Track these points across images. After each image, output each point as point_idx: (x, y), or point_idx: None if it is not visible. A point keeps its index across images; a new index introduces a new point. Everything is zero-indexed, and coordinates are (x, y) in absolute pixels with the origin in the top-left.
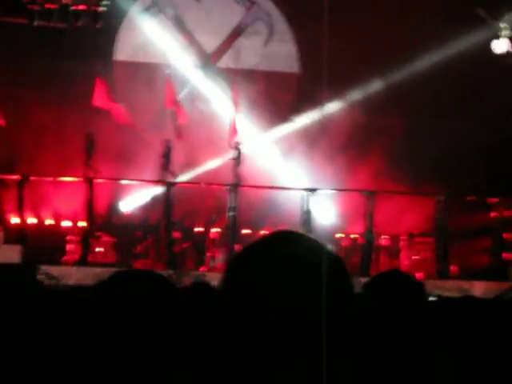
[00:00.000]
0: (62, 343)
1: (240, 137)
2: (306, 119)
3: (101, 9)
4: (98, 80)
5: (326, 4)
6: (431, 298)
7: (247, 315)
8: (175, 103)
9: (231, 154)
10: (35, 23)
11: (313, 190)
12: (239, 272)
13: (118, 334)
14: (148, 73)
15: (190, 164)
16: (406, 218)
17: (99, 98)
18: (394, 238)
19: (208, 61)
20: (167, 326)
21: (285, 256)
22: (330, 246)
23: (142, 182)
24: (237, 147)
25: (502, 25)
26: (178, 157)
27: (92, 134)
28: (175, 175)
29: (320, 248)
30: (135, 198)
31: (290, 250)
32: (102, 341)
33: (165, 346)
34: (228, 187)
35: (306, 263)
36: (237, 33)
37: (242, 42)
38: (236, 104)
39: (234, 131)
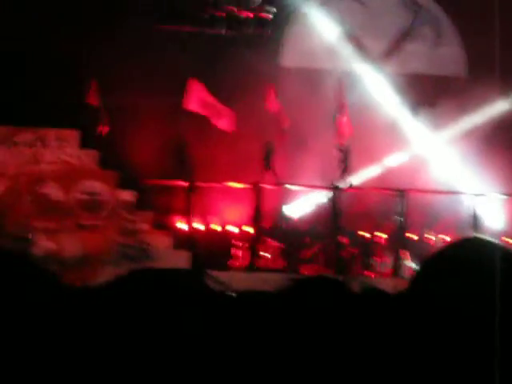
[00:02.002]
0: (243, 346)
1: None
2: (474, 121)
3: (267, 16)
4: (193, 82)
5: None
6: None
7: (434, 319)
8: (278, 106)
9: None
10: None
11: (482, 195)
12: (428, 279)
13: (305, 341)
14: (315, 78)
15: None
16: None
17: (193, 101)
18: None
19: (375, 65)
20: (347, 331)
21: (473, 263)
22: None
23: (307, 188)
24: (343, 149)
25: None
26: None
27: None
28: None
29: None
30: (301, 203)
31: (478, 256)
32: (291, 346)
33: (347, 350)
34: (395, 192)
35: (495, 270)
36: (404, 37)
37: (409, 46)
38: (341, 105)
39: (342, 132)
